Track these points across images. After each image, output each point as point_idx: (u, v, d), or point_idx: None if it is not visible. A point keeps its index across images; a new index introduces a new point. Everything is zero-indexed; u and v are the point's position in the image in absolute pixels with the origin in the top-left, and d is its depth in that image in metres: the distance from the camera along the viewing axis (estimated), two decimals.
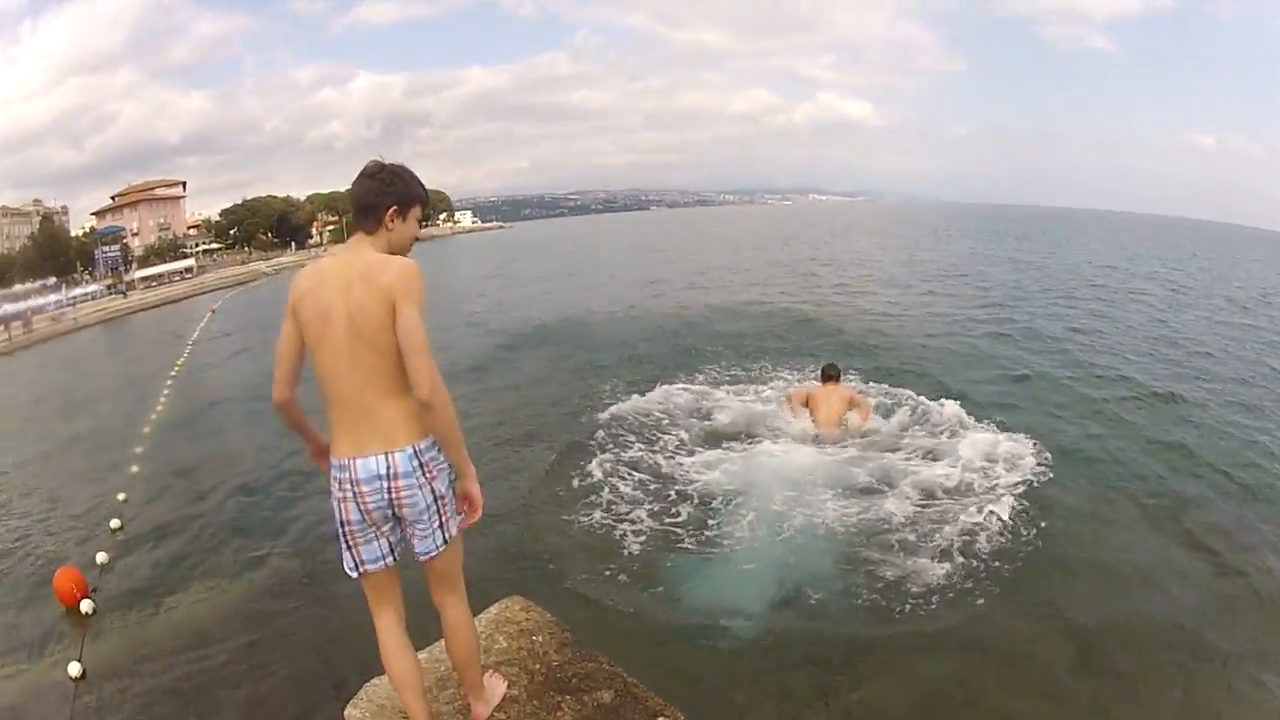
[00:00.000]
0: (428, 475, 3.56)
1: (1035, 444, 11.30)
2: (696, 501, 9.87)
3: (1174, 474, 11.24)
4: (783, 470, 10.57)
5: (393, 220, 3.54)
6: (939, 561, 8.23)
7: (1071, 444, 11.93)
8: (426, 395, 3.36)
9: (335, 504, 3.64)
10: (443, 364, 3.73)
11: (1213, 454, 11.98)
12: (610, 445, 12.12)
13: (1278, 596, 7.98)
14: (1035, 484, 10.18)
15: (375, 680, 4.43)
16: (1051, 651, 7.08)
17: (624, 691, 4.32)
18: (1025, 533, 8.96)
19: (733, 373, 16.52)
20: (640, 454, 11.65)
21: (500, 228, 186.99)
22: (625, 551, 8.79)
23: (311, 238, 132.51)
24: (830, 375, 12.78)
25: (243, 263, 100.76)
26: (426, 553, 3.68)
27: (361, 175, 3.61)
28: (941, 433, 12.01)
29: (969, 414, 12.70)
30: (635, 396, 14.51)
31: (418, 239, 3.67)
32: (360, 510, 3.57)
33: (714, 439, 12.19)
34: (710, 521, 9.35)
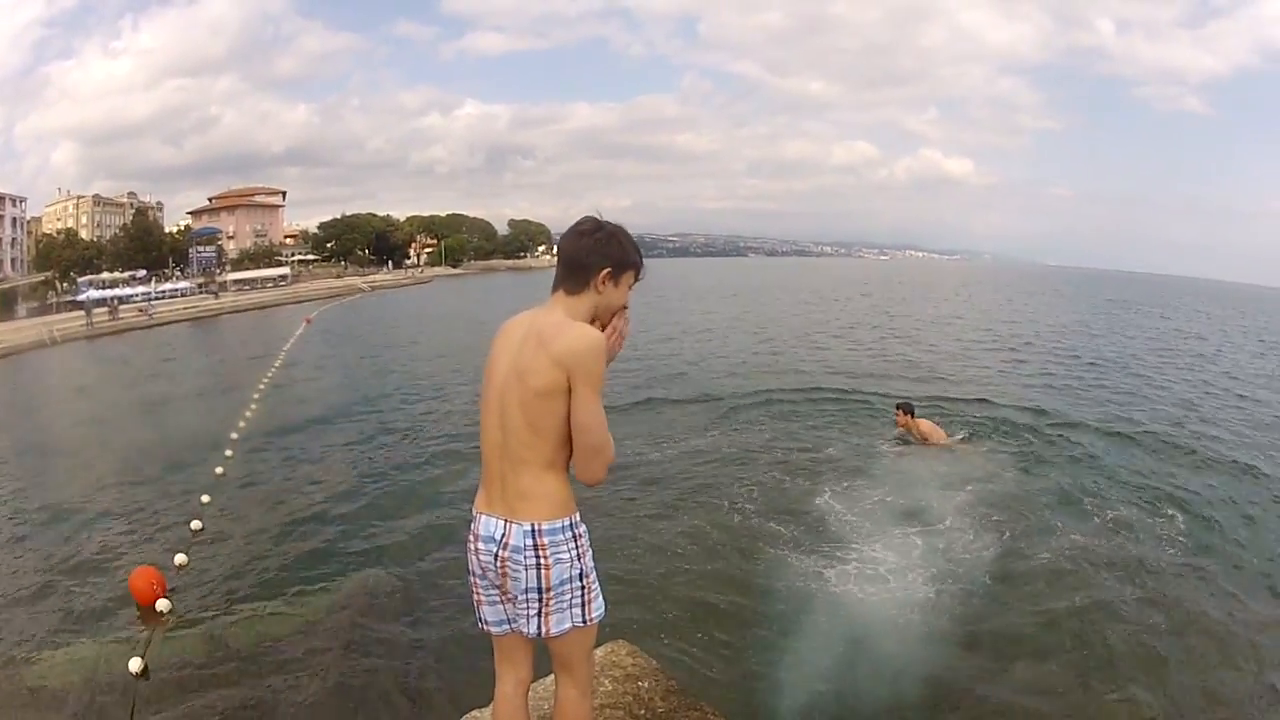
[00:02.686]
0: (542, 558, 3.34)
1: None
2: (804, 546, 10.04)
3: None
4: (891, 510, 11.10)
5: (604, 283, 3.40)
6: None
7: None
8: (593, 484, 3.35)
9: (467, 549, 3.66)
10: None
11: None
12: (714, 486, 12.39)
13: None
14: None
15: (476, 712, 4.49)
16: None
17: None
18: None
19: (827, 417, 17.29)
20: (747, 495, 11.92)
21: None
22: (733, 599, 8.83)
23: (409, 258, 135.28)
24: (908, 409, 15.06)
25: (338, 276, 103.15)
26: (528, 633, 3.49)
27: (575, 231, 3.50)
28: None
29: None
30: (734, 434, 15.56)
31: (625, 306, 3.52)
32: (478, 566, 3.51)
33: (817, 477, 12.74)
34: (816, 569, 9.44)
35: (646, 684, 4.75)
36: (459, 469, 13.31)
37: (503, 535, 3.34)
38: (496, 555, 3.38)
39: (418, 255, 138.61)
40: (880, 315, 49.29)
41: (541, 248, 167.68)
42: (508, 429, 3.35)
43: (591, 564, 3.48)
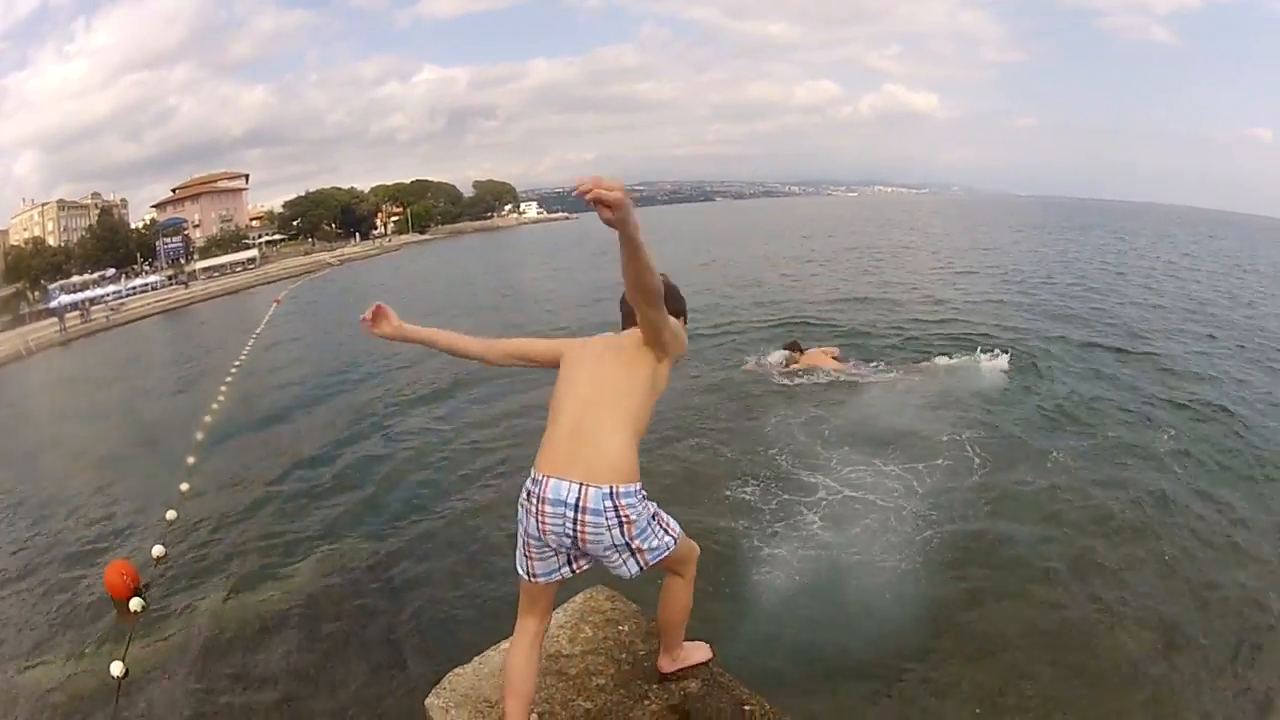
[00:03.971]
0: (623, 516, 3.52)
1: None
2: (771, 483, 9.96)
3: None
4: (855, 440, 11.14)
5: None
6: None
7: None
8: (640, 292, 3.40)
9: (520, 510, 3.70)
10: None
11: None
12: (672, 428, 12.32)
13: None
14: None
15: (458, 669, 4.48)
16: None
17: (711, 680, 4.35)
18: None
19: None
20: (706, 435, 12.01)
21: (566, 218, 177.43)
22: (703, 536, 8.14)
23: (376, 228, 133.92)
24: (795, 347, 15.67)
25: (306, 253, 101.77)
26: (628, 574, 3.73)
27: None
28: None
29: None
30: (690, 376, 15.61)
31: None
32: (538, 529, 3.59)
33: (775, 411, 12.88)
34: (785, 505, 9.38)
35: (626, 627, 4.78)
36: (430, 442, 13.27)
37: (577, 498, 3.46)
38: (574, 519, 3.49)
39: (384, 225, 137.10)
40: (846, 250, 49.03)
41: (508, 206, 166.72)
42: (602, 388, 3.66)
43: (654, 504, 3.72)
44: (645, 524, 3.59)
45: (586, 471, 3.50)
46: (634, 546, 3.59)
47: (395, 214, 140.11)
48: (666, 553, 3.73)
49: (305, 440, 14.28)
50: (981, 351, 15.69)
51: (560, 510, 3.48)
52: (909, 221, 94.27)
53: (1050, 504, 9.40)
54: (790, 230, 79.14)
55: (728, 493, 9.86)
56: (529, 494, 3.63)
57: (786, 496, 9.55)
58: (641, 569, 3.70)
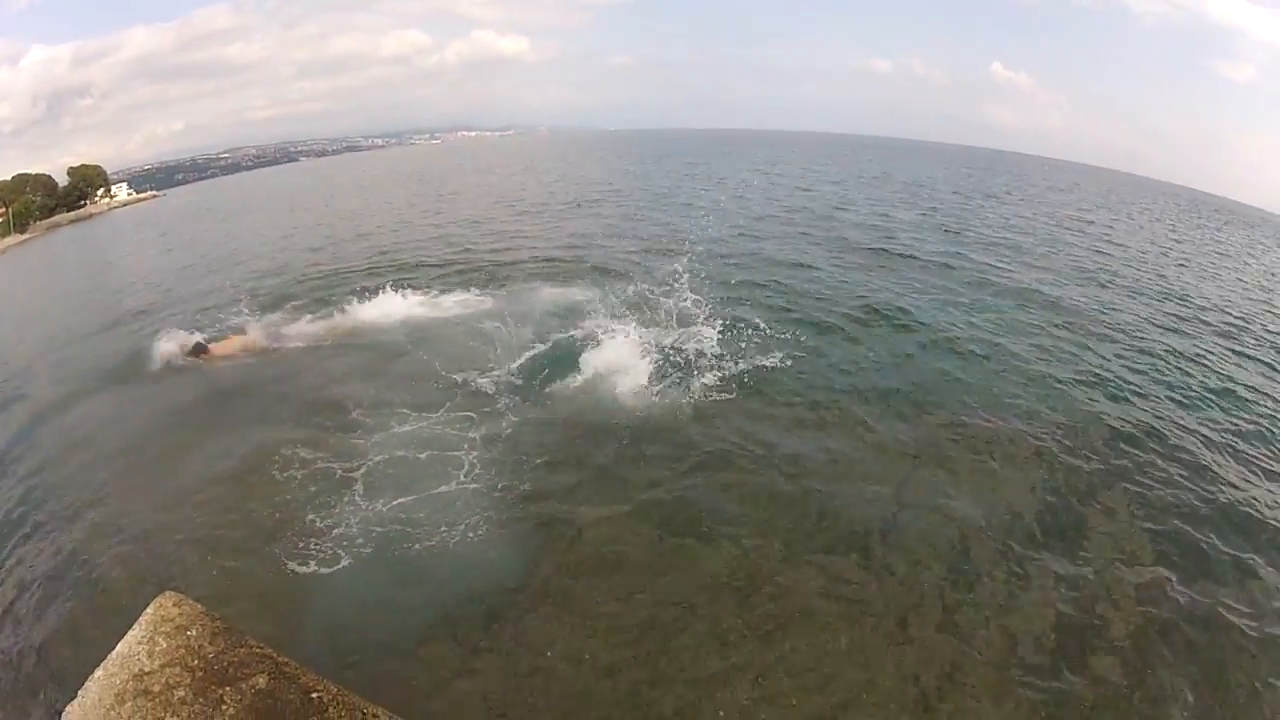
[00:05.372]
0: None
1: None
2: (287, 460, 9.66)
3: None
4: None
5: None
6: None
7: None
8: None
9: None
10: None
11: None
12: (236, 415, 11.99)
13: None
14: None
15: (69, 708, 4.23)
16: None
17: (276, 673, 4.31)
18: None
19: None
20: (276, 421, 11.48)
21: (155, 196, 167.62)
22: (272, 524, 8.53)
23: None
24: (201, 349, 15.24)
25: None
26: None
27: None
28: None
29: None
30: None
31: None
32: None
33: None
34: (313, 471, 9.28)
35: (194, 632, 4.55)
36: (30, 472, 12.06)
37: None
38: None
39: None
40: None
41: (100, 190, 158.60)
42: None
43: None
44: None
45: None
46: None
47: None
48: None
49: None
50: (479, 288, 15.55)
51: None
52: (468, 165, 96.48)
53: (620, 431, 9.44)
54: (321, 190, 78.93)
55: (298, 469, 9.47)
56: None
57: (324, 465, 9.24)
58: None
